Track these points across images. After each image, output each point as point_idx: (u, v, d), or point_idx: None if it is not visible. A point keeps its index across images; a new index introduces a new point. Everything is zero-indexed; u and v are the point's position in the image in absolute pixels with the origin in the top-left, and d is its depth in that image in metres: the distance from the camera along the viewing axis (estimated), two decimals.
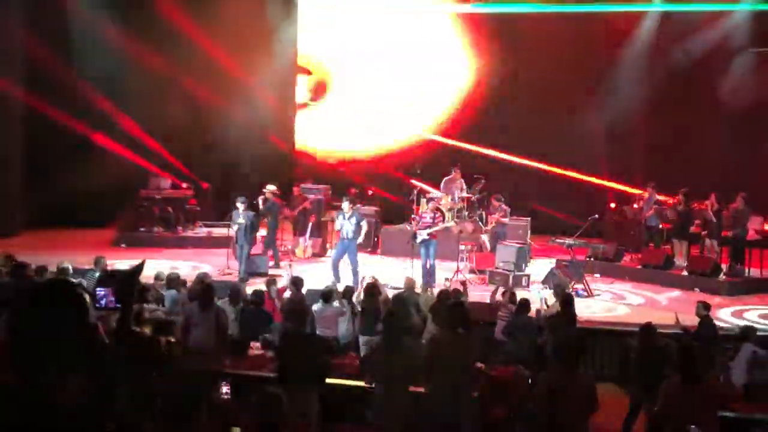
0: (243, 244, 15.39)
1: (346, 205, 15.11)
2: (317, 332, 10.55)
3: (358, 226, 14.91)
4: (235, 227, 15.55)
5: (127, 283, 4.24)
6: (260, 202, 16.41)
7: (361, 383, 8.43)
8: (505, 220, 17.01)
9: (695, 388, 6.67)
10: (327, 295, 11.24)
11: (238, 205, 15.50)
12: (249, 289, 12.54)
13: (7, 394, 3.19)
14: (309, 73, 22.99)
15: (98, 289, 5.25)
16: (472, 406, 7.80)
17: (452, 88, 22.02)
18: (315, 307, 11.02)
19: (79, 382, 3.85)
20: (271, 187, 16.61)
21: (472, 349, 7.98)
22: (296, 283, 11.81)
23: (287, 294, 11.80)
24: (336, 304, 11.23)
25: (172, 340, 8.15)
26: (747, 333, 10.14)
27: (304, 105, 23.15)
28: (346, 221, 14.88)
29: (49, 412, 3.24)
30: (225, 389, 6.00)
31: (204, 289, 10.01)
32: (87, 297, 3.34)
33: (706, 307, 10.90)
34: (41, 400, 3.32)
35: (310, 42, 22.83)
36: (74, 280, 7.66)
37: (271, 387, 5.72)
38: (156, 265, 13.64)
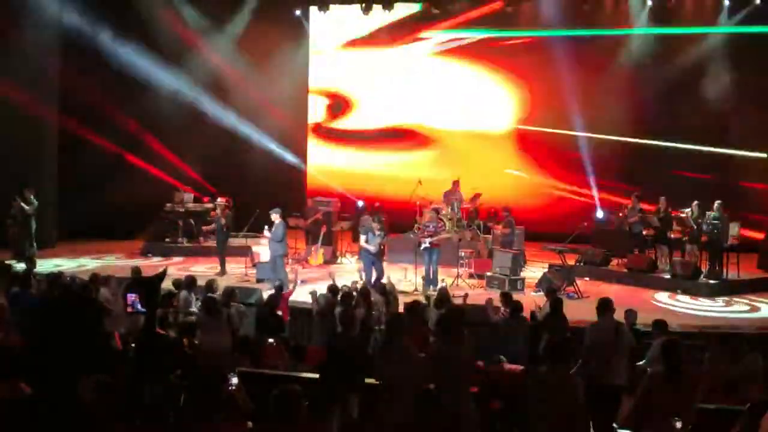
0: (279, 254, 15.29)
1: (374, 225, 15.37)
2: None
3: (381, 241, 15.32)
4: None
5: (151, 289, 4.29)
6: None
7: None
8: (507, 230, 17.02)
9: (677, 380, 6.65)
10: (346, 298, 11.16)
11: (273, 216, 15.29)
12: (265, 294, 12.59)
13: (24, 406, 3.21)
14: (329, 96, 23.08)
15: (129, 294, 5.31)
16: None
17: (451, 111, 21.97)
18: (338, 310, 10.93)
19: (95, 384, 3.90)
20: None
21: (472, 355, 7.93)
22: (333, 290, 11.79)
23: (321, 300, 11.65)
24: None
25: (196, 341, 8.21)
26: (660, 327, 9.86)
27: (318, 124, 23.20)
28: (375, 238, 15.00)
29: (67, 414, 3.26)
30: (233, 380, 5.94)
31: (207, 296, 9.98)
32: (100, 306, 3.40)
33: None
34: (59, 404, 3.34)
35: (323, 66, 22.89)
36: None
37: (289, 385, 5.70)
38: (178, 274, 13.72)
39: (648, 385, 6.74)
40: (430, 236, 15.24)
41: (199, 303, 10.73)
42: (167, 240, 19.04)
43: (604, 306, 9.08)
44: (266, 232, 15.27)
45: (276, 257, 15.12)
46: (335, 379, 7.27)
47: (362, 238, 15.36)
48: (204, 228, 18.21)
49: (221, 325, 9.31)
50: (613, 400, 8.16)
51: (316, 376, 7.55)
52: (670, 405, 6.54)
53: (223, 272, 16.25)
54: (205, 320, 9.35)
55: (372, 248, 14.98)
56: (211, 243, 18.87)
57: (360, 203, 19.93)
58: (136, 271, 12.22)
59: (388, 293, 12.02)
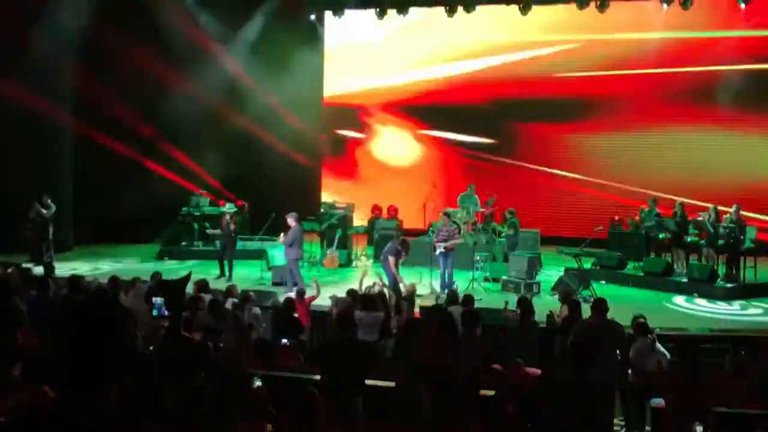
0: (295, 258, 15.30)
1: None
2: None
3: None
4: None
5: (176, 293, 4.31)
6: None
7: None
8: (511, 232, 17.05)
9: (695, 385, 6.63)
10: (368, 302, 11.14)
11: (290, 220, 15.32)
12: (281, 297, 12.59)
13: (48, 411, 3.19)
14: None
15: (154, 299, 5.33)
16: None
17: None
18: (357, 314, 10.89)
19: (119, 389, 3.89)
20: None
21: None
22: (353, 294, 11.76)
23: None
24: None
25: (221, 345, 8.24)
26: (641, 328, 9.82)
27: (332, 131, 23.23)
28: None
29: (91, 419, 3.25)
30: (257, 383, 5.94)
31: (212, 299, 9.98)
32: (125, 310, 3.39)
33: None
34: (84, 409, 3.32)
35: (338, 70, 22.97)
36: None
37: (307, 387, 5.71)
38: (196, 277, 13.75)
39: (666, 388, 6.73)
40: (444, 241, 15.28)
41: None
42: (183, 243, 19.12)
43: (595, 306, 9.45)
44: (282, 237, 15.33)
45: (290, 261, 15.16)
46: (336, 382, 7.28)
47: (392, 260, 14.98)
48: (209, 231, 18.22)
49: (228, 328, 9.29)
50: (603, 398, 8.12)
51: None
52: (689, 408, 6.53)
53: (226, 276, 16.13)
54: (213, 323, 9.37)
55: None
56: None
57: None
58: (157, 275, 12.25)
59: (406, 297, 12.05)
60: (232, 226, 16.56)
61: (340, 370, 7.30)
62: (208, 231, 18.33)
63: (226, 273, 16.26)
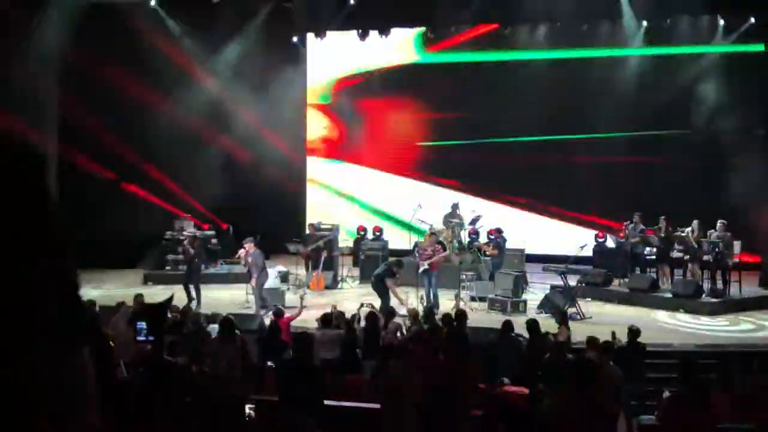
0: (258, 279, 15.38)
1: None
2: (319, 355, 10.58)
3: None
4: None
5: (157, 316, 4.24)
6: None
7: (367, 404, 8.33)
8: (495, 252, 17.03)
9: (698, 401, 6.55)
10: (326, 320, 11.29)
11: (245, 245, 15.50)
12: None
13: None
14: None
15: (138, 323, 5.25)
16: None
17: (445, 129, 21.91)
18: (316, 333, 11.02)
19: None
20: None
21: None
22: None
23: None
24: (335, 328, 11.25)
25: (206, 369, 8.14)
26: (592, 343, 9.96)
27: (315, 149, 23.21)
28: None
29: None
30: (249, 409, 5.89)
31: (225, 323, 9.91)
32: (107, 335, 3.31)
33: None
34: None
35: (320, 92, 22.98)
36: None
37: (296, 412, 5.65)
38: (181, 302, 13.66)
39: (668, 408, 6.63)
40: (428, 259, 15.29)
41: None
42: (167, 268, 18.95)
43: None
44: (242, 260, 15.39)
45: (261, 286, 15.32)
46: (290, 403, 7.23)
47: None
48: (170, 257, 18.05)
49: (234, 352, 9.21)
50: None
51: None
52: (693, 427, 6.43)
53: (192, 301, 15.62)
54: (219, 347, 9.28)
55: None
56: (212, 270, 18.87)
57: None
58: (140, 298, 12.17)
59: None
60: (191, 251, 16.30)
61: (293, 393, 7.29)
62: (169, 257, 18.15)
63: (194, 297, 15.82)
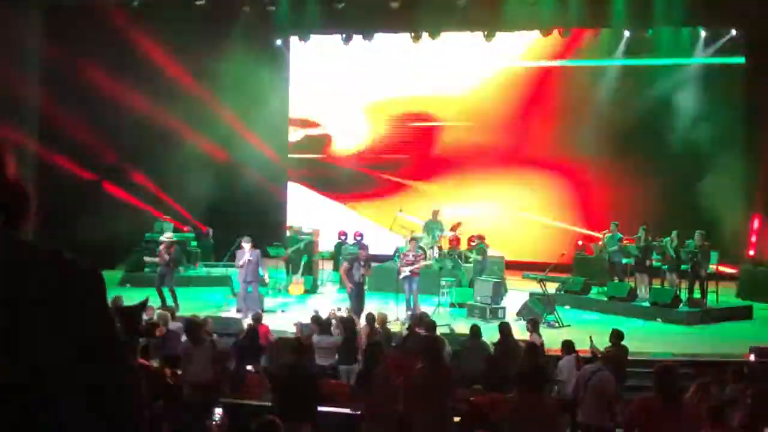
0: (252, 281, 15.33)
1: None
2: (316, 361, 10.59)
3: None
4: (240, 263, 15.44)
5: (131, 319, 4.22)
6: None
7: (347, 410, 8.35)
8: (479, 257, 17.06)
9: (676, 410, 6.53)
10: (325, 326, 11.27)
11: (244, 244, 15.45)
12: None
13: None
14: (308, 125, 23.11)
15: None
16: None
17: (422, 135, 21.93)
18: (315, 338, 11.03)
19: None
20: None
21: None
22: (318, 320, 11.79)
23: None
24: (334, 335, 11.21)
25: (179, 372, 8.10)
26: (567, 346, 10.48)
27: (298, 153, 23.19)
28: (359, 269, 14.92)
29: None
30: (218, 414, 5.85)
31: (191, 326, 9.86)
32: None
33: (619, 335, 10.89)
34: None
35: (303, 96, 22.96)
36: None
37: (269, 415, 5.63)
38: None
39: (637, 413, 6.60)
40: (410, 265, 15.28)
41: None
42: (146, 270, 18.83)
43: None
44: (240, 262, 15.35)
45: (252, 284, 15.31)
46: (285, 408, 7.22)
47: (345, 266, 15.28)
48: (146, 259, 17.95)
49: (206, 355, 9.17)
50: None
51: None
52: None
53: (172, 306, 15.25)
54: (191, 350, 9.22)
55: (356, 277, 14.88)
56: (191, 273, 18.81)
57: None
58: (117, 300, 12.10)
59: (373, 322, 12.02)
60: (166, 256, 16.13)
61: (288, 396, 7.29)
62: (145, 258, 18.06)
63: (170, 302, 15.49)
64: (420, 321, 11.54)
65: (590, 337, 11.11)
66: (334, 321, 11.75)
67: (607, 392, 8.38)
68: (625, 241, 17.20)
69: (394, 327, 13.10)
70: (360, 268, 14.71)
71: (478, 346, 11.36)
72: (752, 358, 11.80)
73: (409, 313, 14.69)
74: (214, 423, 6.59)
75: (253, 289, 15.34)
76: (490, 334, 11.95)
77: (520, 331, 12.30)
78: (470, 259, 17.45)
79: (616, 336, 10.75)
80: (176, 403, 5.30)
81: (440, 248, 18.18)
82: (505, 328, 11.40)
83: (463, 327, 13.52)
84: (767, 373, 10.28)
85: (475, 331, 11.54)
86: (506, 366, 10.23)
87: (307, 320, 11.97)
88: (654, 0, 18.61)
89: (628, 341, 11.15)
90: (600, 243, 17.99)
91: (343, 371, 10.84)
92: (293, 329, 12.08)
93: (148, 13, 19.59)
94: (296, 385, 7.53)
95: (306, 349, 8.93)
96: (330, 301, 16.33)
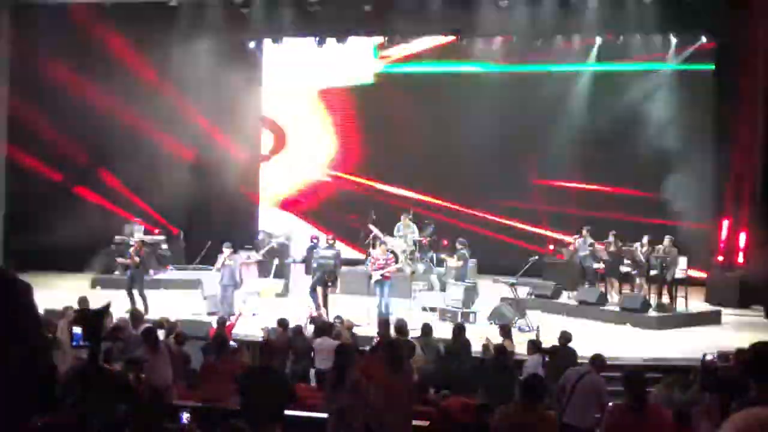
0: (228, 285, 15.41)
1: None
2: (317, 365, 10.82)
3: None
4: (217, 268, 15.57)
5: (94, 323, 4.19)
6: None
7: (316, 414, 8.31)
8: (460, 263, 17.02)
9: (642, 412, 6.62)
10: (325, 329, 11.27)
11: (225, 250, 15.59)
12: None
13: None
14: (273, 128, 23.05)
15: (74, 329, 5.16)
16: None
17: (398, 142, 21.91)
18: (316, 341, 11.06)
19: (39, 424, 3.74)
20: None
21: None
22: (283, 324, 11.79)
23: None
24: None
25: (142, 375, 8.05)
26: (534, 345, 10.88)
27: (267, 157, 23.13)
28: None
29: None
30: (185, 418, 5.83)
31: (147, 331, 9.81)
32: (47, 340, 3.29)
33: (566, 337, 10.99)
34: None
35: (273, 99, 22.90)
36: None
37: (235, 420, 5.61)
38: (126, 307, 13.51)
39: (611, 420, 6.69)
40: (381, 269, 15.26)
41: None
42: (116, 273, 18.69)
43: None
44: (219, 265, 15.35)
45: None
46: (255, 411, 7.20)
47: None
48: (118, 260, 17.85)
49: (163, 359, 9.14)
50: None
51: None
52: None
53: (142, 308, 15.16)
54: (148, 355, 9.18)
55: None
56: (162, 276, 18.69)
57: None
58: (83, 302, 12.00)
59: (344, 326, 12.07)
60: (137, 258, 16.06)
61: (257, 399, 7.27)
62: (117, 260, 17.94)
63: (140, 304, 15.39)
64: (389, 326, 11.50)
65: (486, 338, 11.64)
66: (338, 324, 11.91)
67: (597, 395, 8.49)
68: (596, 246, 17.30)
69: (365, 331, 13.09)
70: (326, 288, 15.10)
71: (462, 347, 11.40)
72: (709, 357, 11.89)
73: (383, 317, 14.65)
74: (181, 428, 6.55)
75: (229, 293, 15.35)
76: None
77: (492, 335, 12.32)
78: (451, 264, 17.26)
79: (564, 337, 10.85)
80: (138, 407, 5.27)
81: (413, 252, 18.10)
82: (455, 328, 11.73)
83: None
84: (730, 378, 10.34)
85: (459, 329, 11.68)
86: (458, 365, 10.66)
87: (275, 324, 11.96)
88: (626, 7, 18.74)
89: (599, 346, 11.20)
90: (571, 248, 18.07)
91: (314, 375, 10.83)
92: (260, 332, 12.06)
93: (120, 14, 19.43)
94: (265, 388, 7.49)
95: (276, 352, 8.89)
96: (301, 304, 16.25)
